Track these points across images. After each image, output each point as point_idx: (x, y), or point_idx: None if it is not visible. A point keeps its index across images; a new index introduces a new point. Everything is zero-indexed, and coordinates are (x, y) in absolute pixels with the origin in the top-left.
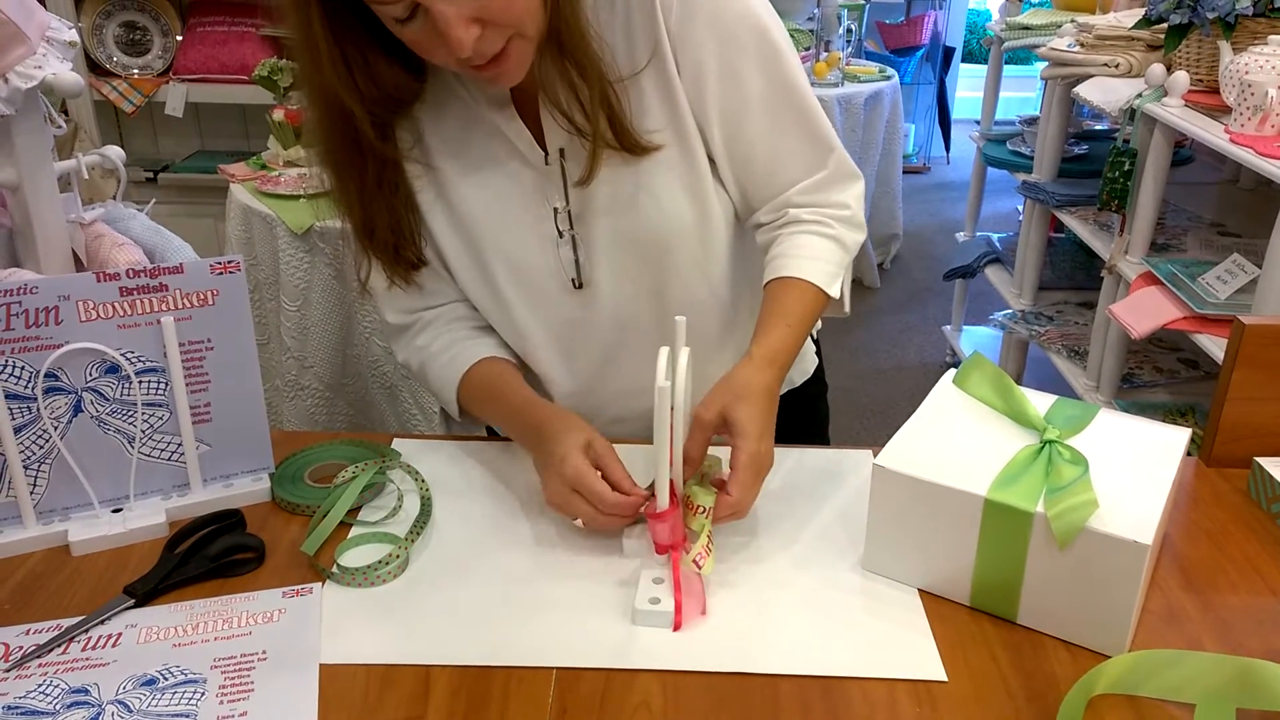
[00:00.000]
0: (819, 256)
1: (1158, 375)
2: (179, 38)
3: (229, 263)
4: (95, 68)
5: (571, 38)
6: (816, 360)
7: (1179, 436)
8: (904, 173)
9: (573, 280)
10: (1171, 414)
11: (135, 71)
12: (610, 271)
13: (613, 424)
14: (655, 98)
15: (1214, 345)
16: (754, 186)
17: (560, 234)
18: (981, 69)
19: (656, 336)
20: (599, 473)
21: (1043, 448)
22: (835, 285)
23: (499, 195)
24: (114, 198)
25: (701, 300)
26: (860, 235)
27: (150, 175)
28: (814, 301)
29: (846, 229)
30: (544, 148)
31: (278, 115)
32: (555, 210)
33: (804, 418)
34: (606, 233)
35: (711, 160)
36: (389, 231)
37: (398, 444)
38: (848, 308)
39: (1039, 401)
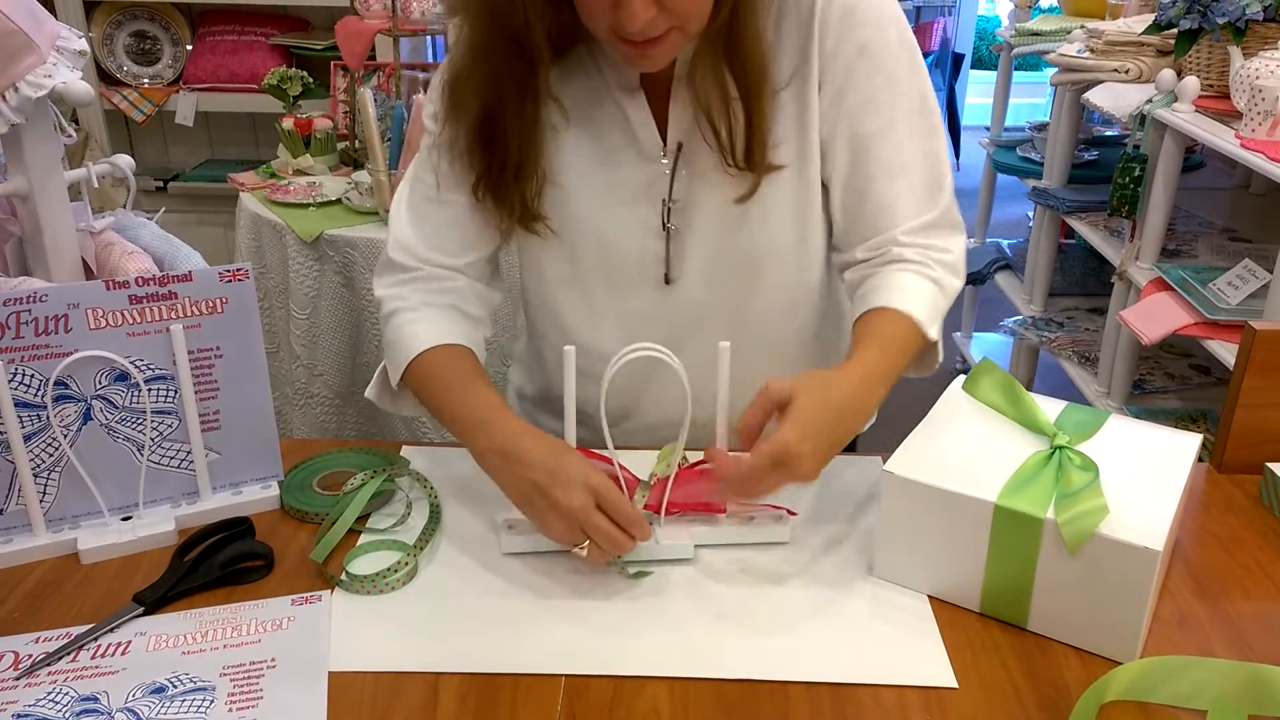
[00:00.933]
0: (917, 292)
1: (1169, 381)
2: (189, 47)
3: (238, 271)
4: (106, 77)
5: (743, 43)
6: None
7: (1190, 442)
8: None
9: (664, 275)
10: (1183, 420)
11: (145, 81)
12: (698, 274)
13: (640, 431)
14: (789, 113)
15: (1225, 351)
16: (861, 220)
17: (663, 226)
18: (991, 75)
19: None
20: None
21: (1053, 454)
22: (934, 327)
23: (607, 175)
24: (124, 206)
25: (778, 324)
26: (960, 283)
27: (160, 184)
28: (907, 335)
29: (948, 273)
30: (664, 139)
31: (287, 124)
32: (663, 201)
33: None
34: (704, 235)
35: (824, 186)
36: (533, 180)
37: (406, 451)
38: (940, 358)
39: (1049, 407)
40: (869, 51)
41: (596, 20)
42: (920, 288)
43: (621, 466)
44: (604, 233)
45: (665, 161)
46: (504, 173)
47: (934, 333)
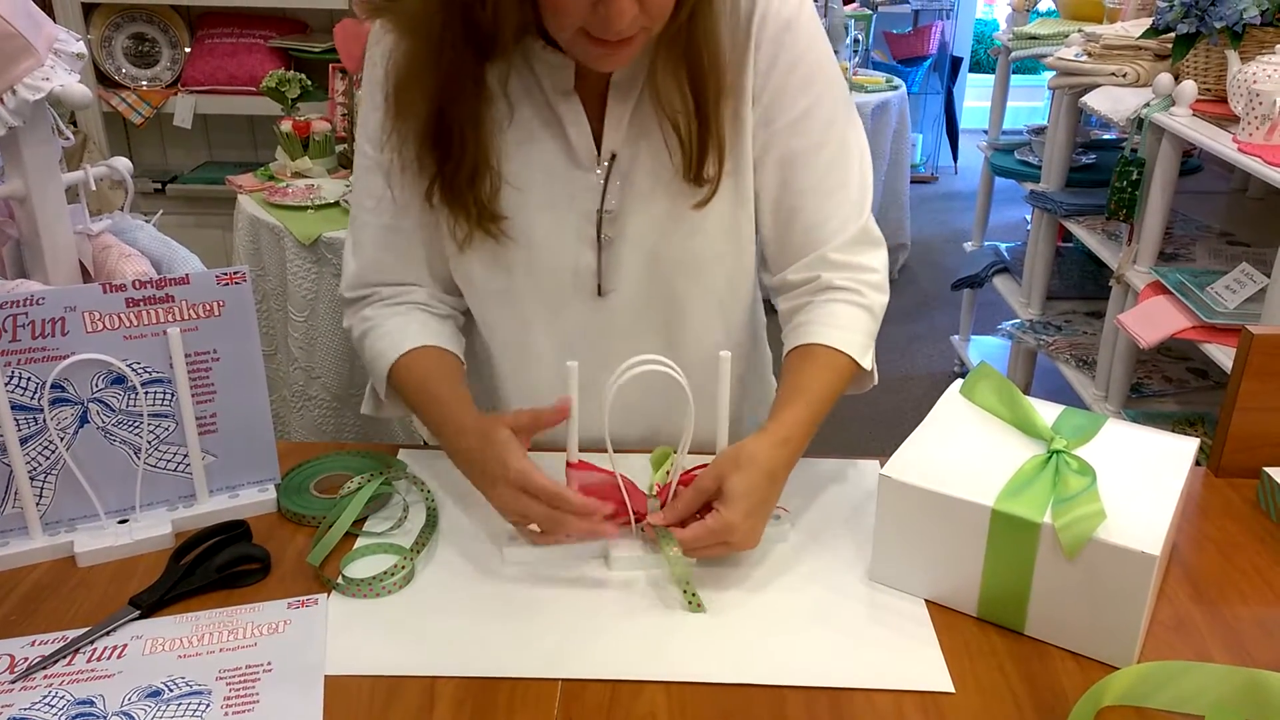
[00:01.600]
0: (850, 326)
1: (1166, 385)
2: (187, 49)
3: (235, 274)
4: (104, 79)
5: (704, 46)
6: None
7: (1187, 446)
8: (911, 183)
9: (597, 286)
10: (1180, 424)
11: (144, 83)
12: (631, 286)
13: (593, 444)
14: (725, 126)
15: (1223, 355)
16: (792, 239)
17: (597, 237)
18: (989, 79)
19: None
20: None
21: (1050, 458)
22: (867, 356)
23: (540, 182)
24: (121, 209)
25: (709, 337)
26: (885, 297)
27: (159, 186)
28: (839, 373)
29: (876, 293)
30: (599, 148)
31: (285, 126)
32: (596, 212)
33: None
34: (638, 246)
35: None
36: (487, 181)
37: (403, 455)
38: (876, 379)
39: (1046, 411)
40: (800, 68)
41: (568, 18)
42: (852, 319)
43: (626, 481)
44: (535, 242)
45: (599, 172)
46: (458, 174)
47: (867, 362)
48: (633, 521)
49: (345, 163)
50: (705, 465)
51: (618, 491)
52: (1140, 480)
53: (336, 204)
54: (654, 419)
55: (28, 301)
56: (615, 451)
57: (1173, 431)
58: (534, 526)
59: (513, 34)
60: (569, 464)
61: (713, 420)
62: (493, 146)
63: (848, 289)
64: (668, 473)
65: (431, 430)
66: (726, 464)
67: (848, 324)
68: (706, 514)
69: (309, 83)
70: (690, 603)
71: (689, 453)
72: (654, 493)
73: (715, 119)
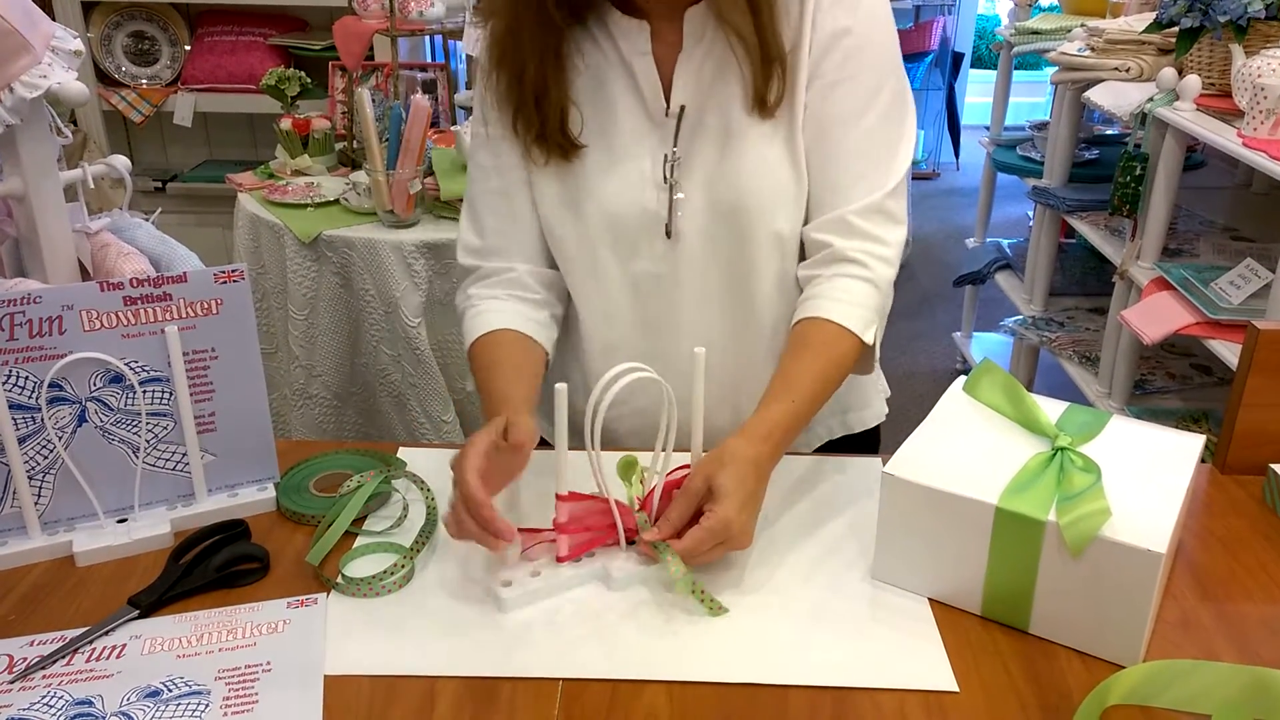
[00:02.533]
0: (854, 301)
1: (1170, 381)
2: (187, 47)
3: (233, 271)
4: (104, 78)
5: None
6: (885, 410)
7: (1193, 443)
8: (913, 179)
9: (665, 228)
10: (1184, 420)
11: (144, 81)
12: (698, 228)
13: (629, 416)
14: (785, 51)
15: (1227, 351)
16: (819, 192)
17: (665, 179)
18: (991, 74)
19: (731, 315)
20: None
21: (1054, 455)
22: (871, 330)
23: (612, 137)
24: (120, 207)
25: (772, 282)
26: (893, 272)
27: (159, 185)
28: (842, 352)
29: (883, 267)
30: (668, 101)
31: (285, 124)
32: (665, 156)
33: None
34: (703, 188)
35: None
36: (557, 108)
37: (403, 453)
38: (876, 363)
39: (1050, 408)
40: (855, 33)
41: None
42: (857, 293)
43: (620, 505)
44: (608, 188)
45: (668, 121)
46: (541, 111)
47: (870, 336)
48: (623, 541)
49: (345, 160)
50: (684, 467)
51: (608, 515)
52: (1145, 477)
53: (336, 202)
54: (651, 414)
55: (25, 300)
56: (607, 447)
57: (1177, 428)
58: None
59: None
60: (558, 496)
61: (752, 374)
62: (571, 95)
63: (857, 261)
64: (640, 481)
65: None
66: (711, 464)
67: (852, 299)
68: (698, 518)
69: (309, 80)
70: (711, 608)
71: (663, 450)
72: (636, 507)
73: (775, 41)
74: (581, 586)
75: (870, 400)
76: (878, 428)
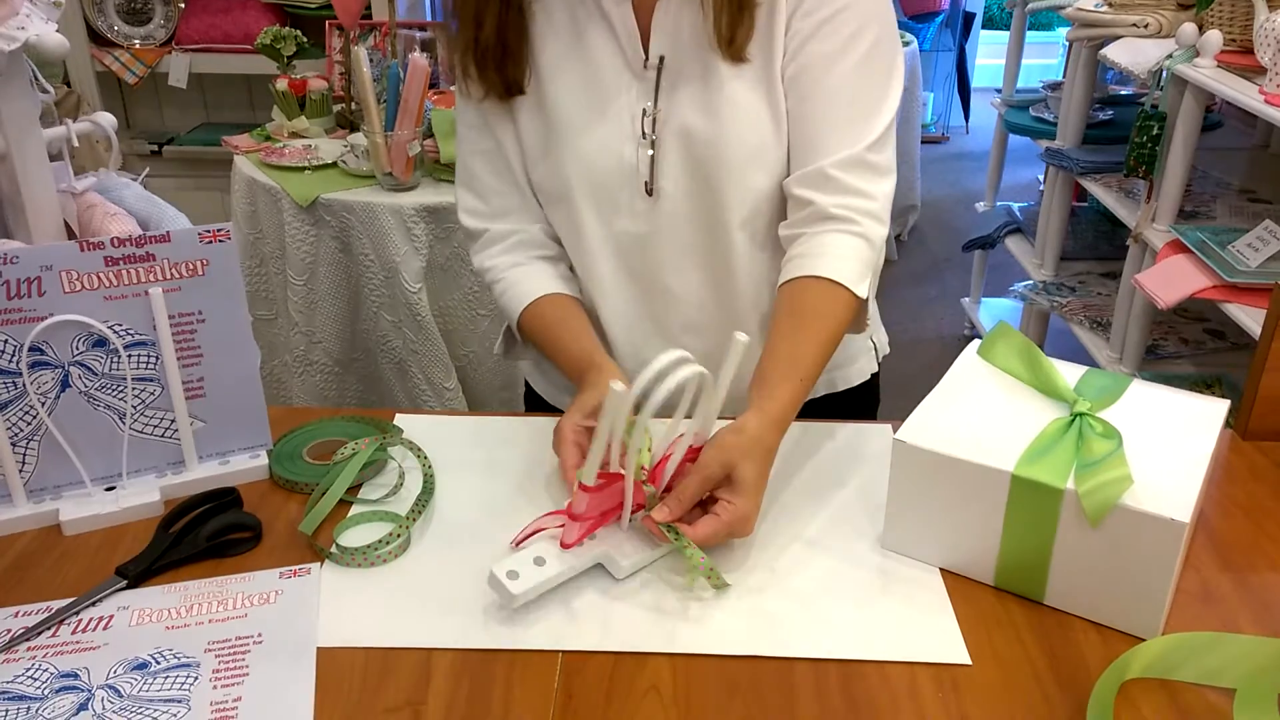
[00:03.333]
0: (845, 255)
1: (1183, 346)
2: (181, 5)
3: (218, 231)
4: (96, 38)
5: None
6: (874, 368)
7: (1217, 408)
8: (922, 143)
9: (645, 185)
10: (1197, 385)
11: (137, 42)
12: (678, 184)
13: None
14: (761, 10)
15: (1244, 315)
16: (797, 143)
17: (644, 135)
18: (1002, 35)
19: (710, 271)
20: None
21: (1073, 421)
22: (863, 284)
23: (591, 89)
24: (106, 167)
25: (753, 240)
26: (884, 230)
27: (155, 148)
28: (837, 308)
29: (872, 222)
30: (646, 52)
31: (281, 85)
32: (644, 111)
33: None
34: (682, 142)
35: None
36: (499, 47)
37: (400, 420)
38: (869, 320)
39: (1068, 373)
40: None
41: None
42: (846, 247)
43: (636, 483)
44: (588, 143)
45: (647, 72)
46: (494, 56)
47: (864, 290)
48: (627, 516)
49: (343, 122)
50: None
51: (616, 495)
52: (1167, 444)
53: (334, 165)
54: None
55: (1, 260)
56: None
57: (1192, 393)
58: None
59: None
60: (583, 486)
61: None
62: (538, 46)
63: (842, 218)
64: (649, 450)
65: (560, 366)
66: (734, 451)
67: (842, 253)
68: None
69: (305, 40)
70: (716, 583)
71: (681, 424)
72: (644, 477)
73: None
74: (587, 572)
75: (856, 357)
76: (865, 384)
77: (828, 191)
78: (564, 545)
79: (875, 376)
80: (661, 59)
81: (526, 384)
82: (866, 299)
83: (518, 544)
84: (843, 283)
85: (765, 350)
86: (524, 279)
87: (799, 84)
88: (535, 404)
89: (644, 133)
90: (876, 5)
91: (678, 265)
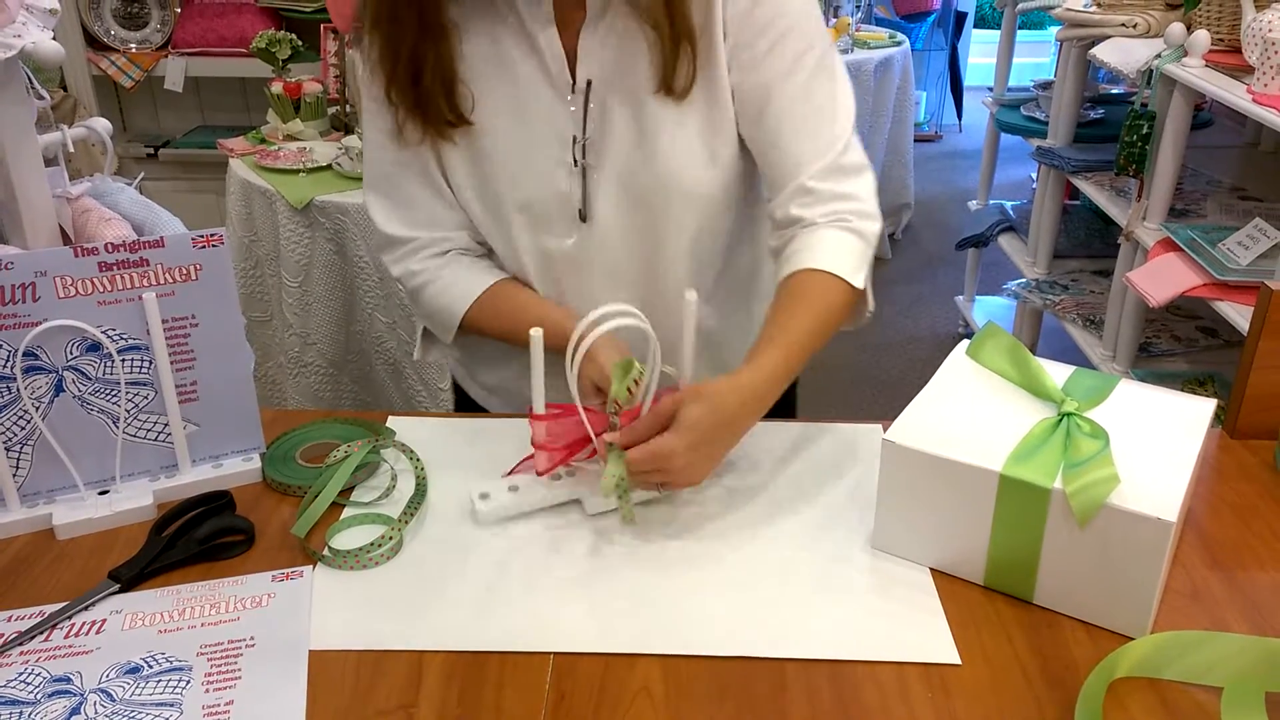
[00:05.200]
0: (837, 249)
1: (1175, 344)
2: (177, 10)
3: (212, 235)
4: (93, 42)
5: None
6: None
7: (1203, 407)
8: (915, 141)
9: (579, 212)
10: (1190, 383)
11: (133, 46)
12: (611, 212)
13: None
14: (696, 33)
15: (1235, 313)
16: (772, 170)
17: (575, 163)
18: (994, 34)
19: (642, 291)
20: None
21: (1061, 421)
22: (859, 275)
23: (518, 113)
24: (101, 171)
25: (688, 266)
26: (877, 225)
27: (151, 151)
28: (831, 298)
29: (863, 220)
30: (574, 76)
31: (276, 88)
32: (574, 139)
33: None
34: (615, 171)
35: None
36: (438, 82)
37: (393, 422)
38: (871, 306)
39: (1056, 372)
40: (768, 4)
41: None
42: (839, 241)
43: (588, 410)
44: (518, 169)
45: (574, 97)
46: (402, 78)
47: (860, 280)
48: (594, 439)
49: (338, 125)
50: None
51: (582, 426)
52: (1155, 443)
53: (329, 167)
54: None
55: None
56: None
57: (1182, 391)
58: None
59: None
60: (534, 415)
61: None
62: (460, 67)
63: (828, 221)
64: (629, 389)
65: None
66: (688, 394)
67: (835, 247)
68: None
69: (300, 43)
70: (625, 514)
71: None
72: (615, 410)
73: (686, 24)
74: (558, 507)
75: None
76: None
77: (812, 204)
78: (538, 473)
79: None
80: (589, 83)
81: (455, 385)
82: (864, 289)
83: (509, 474)
84: (836, 273)
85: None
86: (462, 276)
87: (760, 112)
88: (464, 405)
89: (575, 160)
90: (812, 22)
91: (612, 287)
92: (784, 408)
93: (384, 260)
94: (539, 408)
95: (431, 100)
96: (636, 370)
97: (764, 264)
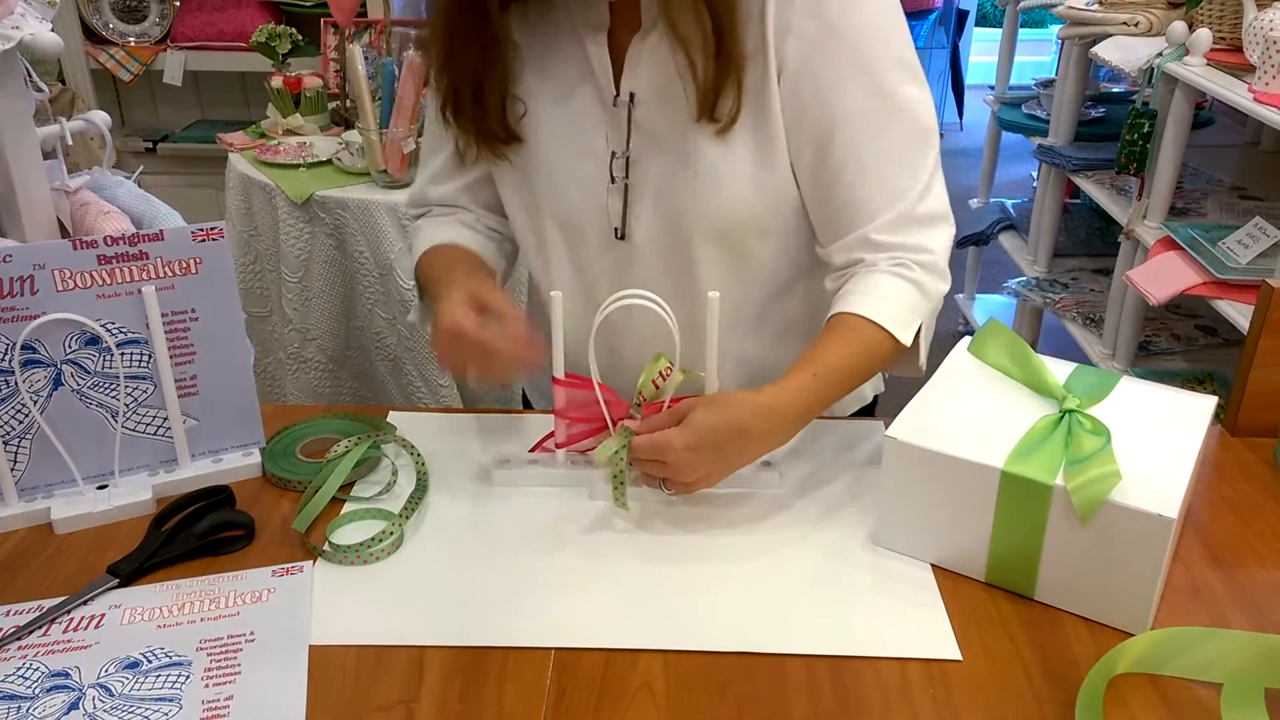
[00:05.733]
0: (890, 297)
1: (1175, 342)
2: (176, 4)
3: (211, 229)
4: (91, 35)
5: None
6: (871, 396)
7: (1204, 405)
8: None
9: (615, 230)
10: (1189, 381)
11: (132, 39)
12: (649, 232)
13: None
14: (748, 83)
15: (1235, 311)
16: (831, 216)
17: (613, 179)
18: (996, 33)
19: (678, 315)
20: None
21: (1062, 417)
22: (908, 332)
23: (564, 122)
24: (100, 164)
25: (729, 302)
26: (945, 285)
27: (149, 145)
28: (869, 348)
29: (928, 275)
30: (618, 87)
31: (276, 82)
32: (614, 154)
33: None
34: (655, 192)
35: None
36: (496, 98)
37: (393, 417)
38: (923, 362)
39: (1058, 369)
40: (838, 30)
41: None
42: (893, 290)
43: (604, 389)
44: (559, 180)
45: (617, 109)
46: (462, 95)
47: (906, 338)
48: (610, 424)
49: (338, 120)
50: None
51: (602, 415)
52: (1156, 440)
53: (329, 162)
54: (651, 348)
55: None
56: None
57: (1181, 389)
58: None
59: None
60: (554, 380)
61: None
62: (514, 79)
63: (894, 264)
64: (653, 381)
65: (424, 287)
66: (705, 399)
67: (887, 294)
68: None
69: (300, 37)
70: (616, 496)
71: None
72: (638, 401)
73: (733, 54)
74: (561, 504)
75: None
76: (864, 409)
77: (875, 251)
78: (555, 445)
79: (875, 399)
80: (632, 96)
81: (523, 392)
82: (915, 349)
83: (533, 449)
84: (884, 325)
85: None
86: (436, 230)
87: (823, 151)
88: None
89: (613, 177)
90: (893, 43)
91: (644, 312)
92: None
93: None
94: (558, 372)
95: (488, 116)
96: (664, 364)
97: (822, 302)
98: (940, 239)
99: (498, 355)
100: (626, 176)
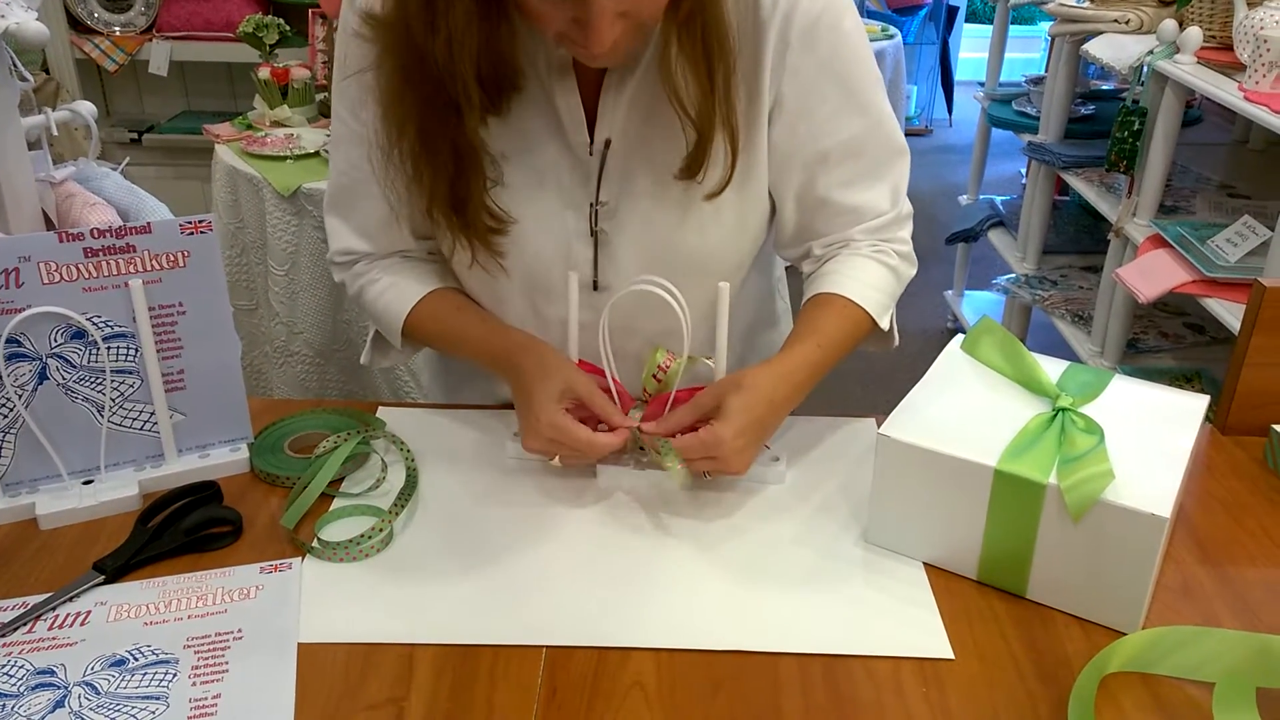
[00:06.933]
0: (872, 283)
1: (1163, 340)
2: None
3: (200, 222)
4: (76, 24)
5: (715, 29)
6: None
7: (1197, 404)
8: (905, 135)
9: (593, 281)
10: (1177, 379)
11: (117, 29)
12: (628, 282)
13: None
14: (738, 116)
15: (1223, 309)
16: (817, 223)
17: (590, 230)
18: (985, 29)
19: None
20: (581, 416)
21: (1055, 416)
22: (885, 317)
23: (530, 169)
24: (85, 155)
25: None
26: (913, 270)
27: (135, 136)
28: (856, 326)
29: (904, 263)
30: (592, 135)
31: (263, 73)
32: (590, 205)
33: None
34: (634, 241)
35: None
36: (481, 208)
37: (383, 413)
38: (897, 340)
39: (1051, 368)
40: (831, 66)
41: (547, 29)
42: (873, 273)
43: (615, 380)
44: (526, 231)
45: (591, 159)
46: (455, 190)
47: (885, 322)
48: (614, 399)
49: (326, 111)
50: (701, 388)
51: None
52: (1148, 439)
53: (316, 154)
54: (653, 340)
55: None
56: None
57: (1170, 387)
58: (555, 461)
59: (478, 78)
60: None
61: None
62: (484, 154)
63: (875, 251)
64: (655, 375)
65: (472, 358)
66: (728, 385)
67: (871, 280)
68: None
69: (287, 28)
70: (681, 482)
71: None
72: (643, 395)
73: (727, 108)
74: (552, 502)
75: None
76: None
77: (856, 240)
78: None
79: None
80: (607, 143)
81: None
82: (890, 330)
83: None
84: (864, 307)
85: None
86: (405, 280)
87: (813, 179)
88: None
89: (591, 229)
90: (868, 83)
91: (622, 351)
92: None
93: (333, 270)
94: (573, 356)
95: (477, 219)
96: (662, 357)
97: (770, 293)
98: (909, 228)
99: (596, 448)
100: (599, 225)
